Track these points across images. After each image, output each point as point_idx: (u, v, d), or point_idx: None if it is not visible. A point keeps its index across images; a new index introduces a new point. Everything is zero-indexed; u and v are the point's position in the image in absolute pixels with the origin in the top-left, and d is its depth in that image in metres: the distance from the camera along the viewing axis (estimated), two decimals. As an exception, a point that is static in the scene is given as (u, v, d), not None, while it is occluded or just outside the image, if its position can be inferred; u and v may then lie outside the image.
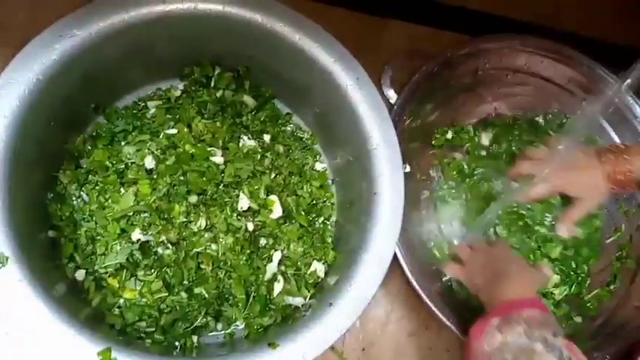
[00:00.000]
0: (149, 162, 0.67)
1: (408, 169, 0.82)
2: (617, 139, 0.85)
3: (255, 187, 0.71)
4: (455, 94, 0.86)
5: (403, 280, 0.80)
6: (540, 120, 0.89)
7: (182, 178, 0.68)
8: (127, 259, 0.65)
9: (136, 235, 0.65)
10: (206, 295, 0.68)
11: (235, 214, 0.69)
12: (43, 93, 0.60)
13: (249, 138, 0.75)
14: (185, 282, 0.68)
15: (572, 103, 0.88)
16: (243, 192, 0.70)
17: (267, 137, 0.77)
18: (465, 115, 0.88)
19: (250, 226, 0.69)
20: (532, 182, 0.76)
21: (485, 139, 0.87)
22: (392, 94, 0.82)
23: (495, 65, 0.86)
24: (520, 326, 0.56)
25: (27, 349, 0.50)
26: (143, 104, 0.74)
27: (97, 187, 0.68)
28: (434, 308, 0.70)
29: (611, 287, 0.81)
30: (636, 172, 0.72)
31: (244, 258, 0.69)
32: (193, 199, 0.68)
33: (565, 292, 0.80)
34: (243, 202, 0.69)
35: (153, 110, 0.73)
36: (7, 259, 0.55)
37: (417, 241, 0.79)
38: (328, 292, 0.66)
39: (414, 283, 0.71)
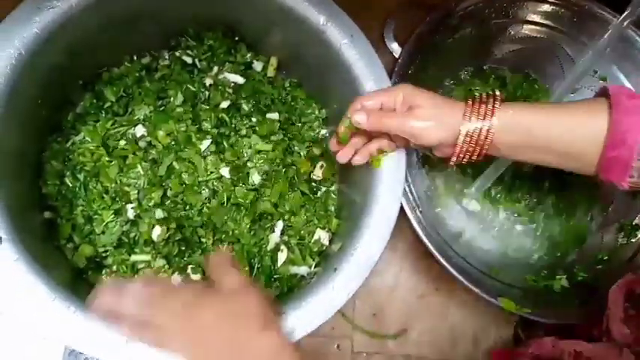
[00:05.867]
0: (139, 130, 0.65)
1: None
2: (621, 77, 0.82)
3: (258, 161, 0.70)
4: (461, 46, 0.83)
5: (411, 244, 0.80)
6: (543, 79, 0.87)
7: (174, 144, 0.66)
8: (123, 236, 0.64)
9: (130, 211, 0.64)
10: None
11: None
12: (26, 69, 0.58)
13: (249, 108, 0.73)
14: (187, 258, 0.67)
15: (578, 50, 0.84)
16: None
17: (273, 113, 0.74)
18: (471, 67, 0.86)
19: (257, 179, 0.68)
20: None
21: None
22: (395, 47, 0.80)
23: (500, 16, 0.83)
24: None
25: (23, 328, 0.50)
26: (133, 76, 0.71)
27: (88, 165, 0.66)
28: (444, 262, 0.68)
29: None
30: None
31: (246, 227, 0.67)
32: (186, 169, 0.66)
33: None
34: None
35: (143, 82, 0.71)
36: (0, 239, 0.53)
37: (425, 197, 0.78)
38: (333, 259, 0.64)
39: (424, 238, 0.69)
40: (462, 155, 0.55)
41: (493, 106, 0.52)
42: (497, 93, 0.54)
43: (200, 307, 0.47)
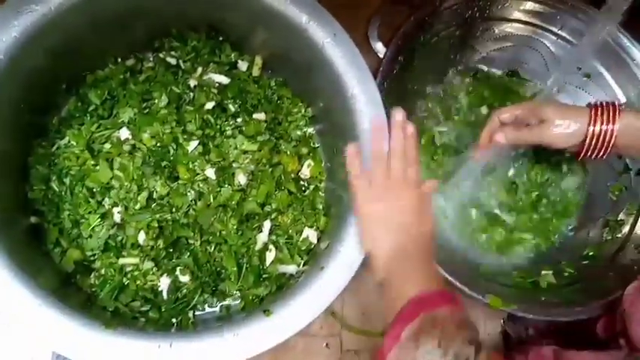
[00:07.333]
0: (124, 133, 0.65)
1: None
2: (611, 81, 0.82)
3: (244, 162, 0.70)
4: (445, 45, 0.83)
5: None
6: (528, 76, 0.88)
7: (160, 146, 0.66)
8: (110, 240, 0.64)
9: (117, 215, 0.64)
10: (199, 274, 0.67)
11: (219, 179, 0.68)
12: (7, 73, 0.58)
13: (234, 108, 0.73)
14: (175, 260, 0.67)
15: (562, 47, 0.85)
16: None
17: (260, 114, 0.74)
18: (456, 68, 0.87)
19: (243, 179, 0.68)
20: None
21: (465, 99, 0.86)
22: (380, 47, 0.80)
23: (484, 15, 0.83)
24: (434, 339, 0.45)
25: (11, 333, 0.50)
26: (117, 79, 0.71)
27: (73, 169, 0.66)
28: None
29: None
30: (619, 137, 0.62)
31: (233, 228, 0.67)
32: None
33: None
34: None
35: (127, 84, 0.71)
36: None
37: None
38: (321, 257, 0.64)
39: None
40: (588, 153, 0.64)
41: (614, 113, 0.61)
42: (616, 102, 0.63)
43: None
